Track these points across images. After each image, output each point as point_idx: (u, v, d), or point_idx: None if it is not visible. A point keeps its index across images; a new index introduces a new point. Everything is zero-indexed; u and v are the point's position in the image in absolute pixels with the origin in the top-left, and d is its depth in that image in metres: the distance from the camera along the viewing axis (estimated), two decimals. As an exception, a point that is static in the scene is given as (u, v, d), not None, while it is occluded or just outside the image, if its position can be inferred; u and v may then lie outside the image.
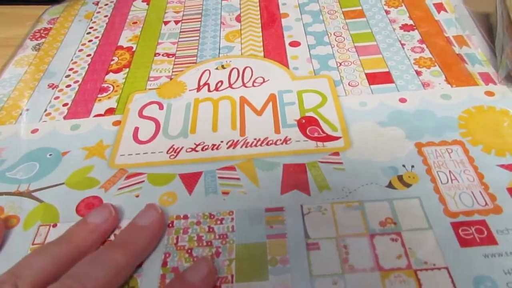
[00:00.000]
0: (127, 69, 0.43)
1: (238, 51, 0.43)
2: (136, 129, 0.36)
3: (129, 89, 0.40)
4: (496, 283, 0.24)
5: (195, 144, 0.34)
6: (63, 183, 0.32)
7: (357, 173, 0.30)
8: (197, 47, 0.45)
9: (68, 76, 0.43)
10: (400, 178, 0.30)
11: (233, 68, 0.41)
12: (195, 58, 0.43)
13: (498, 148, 0.31)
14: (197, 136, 0.34)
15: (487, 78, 0.37)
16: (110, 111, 0.39)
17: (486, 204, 0.28)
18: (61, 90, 0.42)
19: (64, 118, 0.38)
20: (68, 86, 0.42)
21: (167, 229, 0.29)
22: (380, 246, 0.27)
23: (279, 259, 0.26)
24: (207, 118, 0.36)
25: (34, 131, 0.37)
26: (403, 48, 0.41)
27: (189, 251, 0.27)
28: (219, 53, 0.43)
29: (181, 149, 0.33)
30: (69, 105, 0.40)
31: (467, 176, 0.30)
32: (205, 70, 0.41)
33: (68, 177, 0.33)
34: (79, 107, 0.39)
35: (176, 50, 0.45)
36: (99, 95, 0.40)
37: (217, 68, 0.41)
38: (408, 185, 0.29)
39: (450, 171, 0.30)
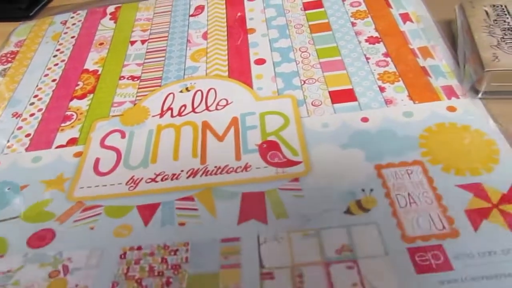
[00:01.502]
0: (92, 95, 0.42)
1: (203, 71, 0.43)
2: (97, 160, 0.36)
3: (92, 117, 0.40)
4: (453, 311, 0.24)
5: (155, 174, 0.33)
6: (17, 217, 0.32)
7: (316, 199, 0.30)
8: (162, 69, 0.44)
9: (32, 104, 0.43)
10: (358, 203, 0.30)
11: (197, 91, 0.41)
12: (159, 80, 0.43)
13: (458, 167, 0.31)
14: (158, 165, 0.34)
15: (450, 92, 0.36)
16: (72, 141, 0.38)
17: (444, 227, 0.28)
18: (24, 119, 0.41)
19: (26, 149, 0.38)
20: (32, 114, 0.42)
21: (118, 260, 0.28)
22: (336, 275, 0.26)
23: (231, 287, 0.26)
24: (168, 146, 0.36)
25: (-6, 164, 0.36)
26: (368, 62, 0.41)
27: (138, 281, 0.27)
28: (184, 74, 0.43)
29: (141, 180, 0.33)
30: (31, 135, 0.39)
31: (425, 198, 0.29)
32: (169, 94, 0.41)
33: (25, 211, 0.32)
34: (42, 137, 0.39)
35: (142, 73, 0.44)
36: (62, 124, 0.40)
37: (181, 91, 0.41)
38: (366, 210, 0.29)
39: (409, 194, 0.30)
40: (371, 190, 0.30)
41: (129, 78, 0.44)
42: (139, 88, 0.43)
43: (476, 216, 0.28)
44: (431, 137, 0.33)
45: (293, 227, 0.29)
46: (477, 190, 0.29)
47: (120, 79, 0.44)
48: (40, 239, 0.30)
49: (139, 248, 0.29)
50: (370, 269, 0.26)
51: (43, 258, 0.29)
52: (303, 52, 0.43)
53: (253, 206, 0.30)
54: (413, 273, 0.26)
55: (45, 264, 0.28)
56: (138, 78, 0.44)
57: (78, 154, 0.37)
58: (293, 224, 0.29)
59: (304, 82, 0.40)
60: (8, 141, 0.39)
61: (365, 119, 0.35)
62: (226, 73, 0.42)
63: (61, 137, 0.39)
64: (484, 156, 0.32)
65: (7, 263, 0.28)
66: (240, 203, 0.31)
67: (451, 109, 0.35)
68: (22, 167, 0.36)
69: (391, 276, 0.26)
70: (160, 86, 0.43)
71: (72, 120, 0.40)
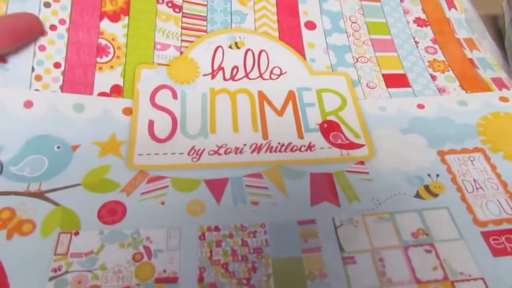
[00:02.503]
0: (126, 18, 0.37)
1: (251, 23, 0.40)
2: (151, 122, 0.33)
3: (134, 57, 0.35)
4: (531, 292, 0.25)
5: (217, 146, 0.32)
6: (79, 184, 0.30)
7: (384, 183, 0.30)
8: (206, 4, 0.40)
9: (48, 4, 0.35)
10: (427, 188, 0.30)
11: (247, 50, 0.38)
12: (204, 23, 0.39)
13: (518, 156, 0.32)
14: (218, 136, 0.33)
15: (500, 83, 0.37)
16: (117, 90, 0.34)
17: (513, 213, 0.29)
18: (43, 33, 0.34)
19: (62, 89, 0.33)
20: (53, 27, 0.34)
21: (198, 242, 0.27)
22: (415, 258, 0.27)
23: (317, 274, 0.26)
24: (226, 115, 0.34)
25: (28, 104, 0.32)
26: (417, 47, 0.41)
27: (224, 266, 0.27)
28: (231, 20, 0.40)
29: (203, 151, 0.32)
30: (62, 67, 0.33)
31: (491, 184, 0.30)
32: (218, 47, 0.38)
33: (84, 177, 0.30)
34: (76, 74, 0.33)
35: (182, 1, 0.39)
36: (99, 59, 0.35)
37: (230, 46, 0.38)
38: (435, 195, 0.30)
39: (474, 180, 0.31)
40: (437, 175, 0.31)
41: (169, 4, 0.39)
42: (182, 28, 0.38)
43: (541, 203, 0.29)
44: (488, 125, 0.34)
45: (366, 210, 0.29)
46: (539, 178, 0.31)
47: (158, 2, 0.39)
48: (112, 213, 0.28)
49: (217, 228, 0.28)
50: (448, 252, 0.27)
51: (121, 237, 0.27)
52: (353, 22, 0.42)
53: (323, 187, 0.31)
54: (490, 256, 0.27)
55: (125, 244, 0.27)
56: (180, 8, 0.39)
57: (128, 112, 0.34)
58: (365, 207, 0.29)
59: (357, 60, 0.39)
60: (33, 68, 0.33)
61: (421, 106, 0.36)
62: (277, 33, 0.40)
63: (102, 80, 0.34)
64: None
65: (86, 242, 0.27)
66: (310, 183, 0.31)
67: (504, 99, 0.36)
68: (64, 116, 0.32)
69: (470, 259, 0.27)
70: (205, 32, 0.39)
71: (110, 57, 0.35)
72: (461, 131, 0.33)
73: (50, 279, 0.25)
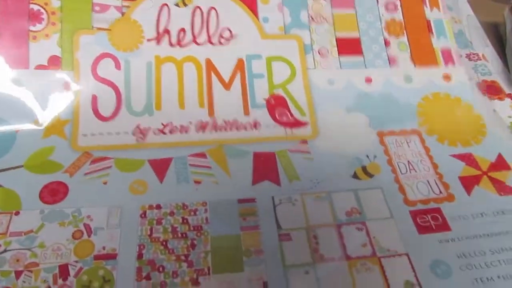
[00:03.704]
0: None
1: None
2: (94, 98, 0.33)
3: (70, 23, 0.33)
4: (449, 266, 0.27)
5: (162, 124, 0.33)
6: (22, 166, 0.30)
7: (325, 163, 0.32)
8: None
9: None
10: (364, 169, 0.32)
11: (196, 8, 0.36)
12: None
13: (450, 138, 0.34)
14: (164, 114, 0.33)
15: (447, 56, 0.38)
16: (55, 62, 0.32)
17: (441, 192, 0.31)
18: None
19: None
20: None
21: (139, 220, 0.28)
22: (347, 236, 0.29)
23: (253, 251, 0.28)
24: (172, 89, 0.34)
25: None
26: (377, 1, 0.40)
27: (164, 243, 0.28)
28: None
29: (148, 130, 0.32)
30: None
31: (423, 166, 0.32)
32: (163, 5, 0.35)
33: (27, 159, 0.30)
34: (8, 41, 0.32)
35: None
36: (32, 28, 0.32)
37: (177, 4, 0.35)
38: (371, 176, 0.31)
39: (408, 161, 0.32)
40: (375, 156, 0.32)
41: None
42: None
43: (469, 182, 0.31)
44: (427, 106, 0.36)
45: (305, 189, 0.30)
46: (469, 159, 0.33)
47: None
48: (53, 193, 0.29)
49: (158, 206, 0.29)
50: (378, 230, 0.29)
51: (62, 215, 0.28)
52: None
53: (265, 166, 0.32)
54: (415, 233, 0.29)
55: (65, 223, 0.28)
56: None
57: (69, 86, 0.33)
58: (304, 186, 0.31)
59: (312, 19, 0.38)
60: None
61: (368, 79, 0.36)
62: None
63: (38, 51, 0.32)
64: (473, 129, 0.34)
65: (26, 221, 0.27)
66: (253, 162, 0.32)
67: (447, 78, 0.37)
68: (2, 92, 0.31)
69: (396, 237, 0.29)
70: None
71: (44, 24, 0.33)
72: (402, 111, 0.35)
73: (-12, 258, 0.25)
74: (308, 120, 0.34)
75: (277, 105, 0.34)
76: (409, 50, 0.38)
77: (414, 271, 0.27)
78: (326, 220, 0.29)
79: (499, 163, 0.32)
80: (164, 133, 0.32)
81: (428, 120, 0.34)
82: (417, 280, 0.26)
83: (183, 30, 0.36)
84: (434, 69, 0.38)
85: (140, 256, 0.27)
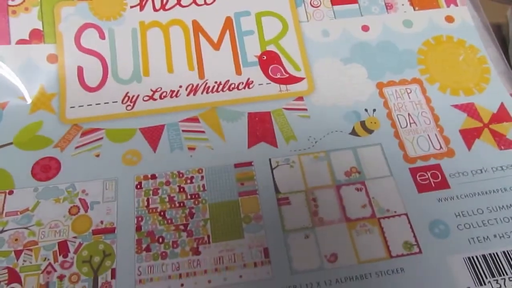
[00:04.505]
0: None
1: None
2: (80, 69, 0.32)
3: None
4: (448, 225, 0.27)
5: (151, 90, 0.31)
6: (11, 143, 0.29)
7: (322, 120, 0.31)
8: None
9: None
10: (363, 124, 0.31)
11: None
12: None
13: (452, 87, 0.32)
14: (152, 79, 0.32)
15: (450, -3, 0.36)
16: (37, 36, 0.32)
17: (441, 147, 0.30)
18: None
19: None
20: None
21: (135, 191, 0.28)
22: (347, 197, 0.28)
23: (252, 217, 0.27)
24: (159, 54, 0.33)
25: None
26: None
27: (162, 213, 0.27)
28: None
29: (137, 97, 0.31)
30: None
31: (424, 118, 0.31)
32: None
33: (16, 136, 0.30)
34: None
35: None
36: (10, 2, 0.32)
37: None
38: (370, 131, 0.30)
39: (409, 114, 0.31)
40: (374, 110, 0.31)
41: None
42: None
43: (470, 136, 0.31)
44: (429, 52, 0.34)
45: (302, 150, 0.30)
46: (470, 110, 0.31)
47: None
48: (46, 169, 0.28)
49: (153, 176, 0.28)
50: (377, 190, 0.29)
51: (56, 192, 0.28)
52: None
53: (260, 127, 0.31)
54: (415, 192, 0.28)
55: (60, 199, 0.27)
56: None
57: (53, 59, 0.32)
58: (302, 146, 0.30)
59: None
60: None
61: (365, 28, 0.35)
62: None
63: (18, 26, 0.32)
64: (477, 75, 0.33)
65: (21, 200, 0.27)
66: (247, 124, 0.31)
67: (449, 19, 0.35)
68: None
69: (397, 196, 0.28)
70: None
71: None
72: (402, 59, 0.33)
73: (-13, 240, 0.25)
74: (303, 75, 0.32)
75: (270, 61, 0.33)
76: (408, -8, 0.36)
77: (413, 231, 0.27)
78: (325, 182, 0.29)
79: (501, 114, 0.31)
80: (154, 99, 0.31)
81: (430, 68, 0.33)
82: (416, 240, 0.26)
83: (166, -8, 0.33)
84: (435, 10, 0.35)
85: (138, 228, 0.27)
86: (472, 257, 0.26)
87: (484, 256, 0.26)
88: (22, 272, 0.25)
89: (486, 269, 0.26)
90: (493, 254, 0.26)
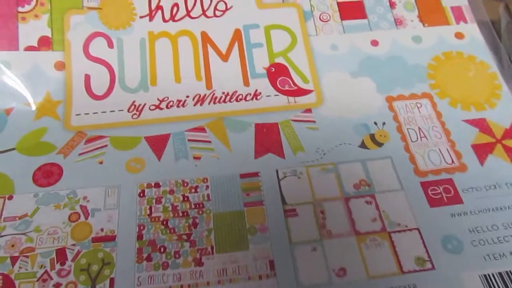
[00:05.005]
0: None
1: None
2: (87, 77, 0.32)
3: (60, 3, 0.33)
4: (461, 241, 0.26)
5: (158, 100, 0.31)
6: (14, 148, 0.29)
7: (330, 132, 0.30)
8: None
9: None
10: (372, 137, 0.30)
11: None
12: None
13: (463, 102, 0.32)
14: (159, 89, 0.31)
15: (458, 14, 0.36)
16: (45, 43, 0.32)
17: (453, 162, 0.29)
18: None
19: None
20: None
21: (138, 199, 0.27)
22: (356, 210, 0.27)
23: (258, 228, 0.26)
24: (167, 63, 0.33)
25: None
26: None
27: (164, 222, 0.26)
28: None
29: (144, 106, 0.31)
30: None
31: (435, 133, 0.30)
32: None
33: (19, 141, 0.29)
34: None
35: None
36: (20, 9, 0.32)
37: None
38: (380, 145, 0.30)
39: (419, 128, 0.31)
40: (384, 123, 0.31)
41: None
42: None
43: (482, 151, 0.30)
44: (439, 67, 0.33)
45: (310, 161, 0.29)
46: (482, 125, 0.31)
47: None
48: (47, 175, 0.28)
49: (157, 185, 0.28)
50: (387, 203, 0.28)
51: (57, 198, 0.27)
52: None
53: (268, 138, 0.30)
54: (427, 206, 0.27)
55: (60, 205, 0.27)
56: None
57: (60, 66, 0.32)
58: (309, 158, 0.29)
59: None
60: None
61: (374, 42, 0.34)
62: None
63: (27, 32, 0.32)
64: (487, 91, 0.32)
65: (20, 205, 0.26)
66: (254, 134, 0.30)
67: (459, 35, 0.35)
68: None
69: (407, 210, 0.27)
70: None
71: (33, 4, 0.33)
72: (412, 73, 0.33)
73: (-17, 245, 0.24)
74: (311, 88, 0.32)
75: (278, 73, 0.32)
76: (416, 10, 0.36)
77: (425, 246, 0.26)
78: (333, 194, 0.28)
79: (514, 130, 0.30)
80: (160, 108, 0.31)
81: (440, 82, 0.32)
82: (428, 255, 0.25)
83: (176, 5, 0.34)
84: (445, 27, 0.35)
85: (140, 236, 0.26)
86: (488, 275, 0.25)
87: (500, 273, 0.25)
88: (17, 279, 0.24)
89: (502, 287, 0.24)
90: (509, 271, 0.25)
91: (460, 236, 0.26)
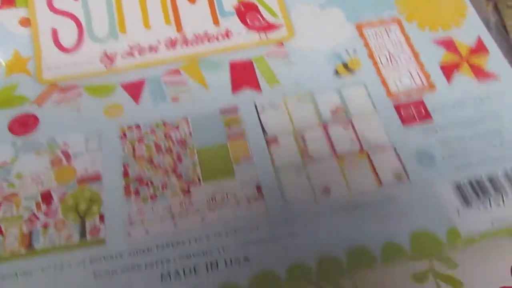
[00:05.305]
0: None
1: None
2: (54, 31, 0.31)
3: None
4: (433, 156, 0.27)
5: (129, 47, 0.31)
6: None
7: (304, 64, 0.31)
8: None
9: None
10: (345, 65, 0.31)
11: None
12: None
13: (431, 23, 0.33)
14: (130, 36, 0.31)
15: None
16: (8, 0, 0.32)
17: (422, 83, 0.30)
18: None
19: None
20: None
21: (120, 141, 0.27)
22: (334, 134, 0.28)
23: (242, 157, 0.27)
24: (135, 9, 0.32)
25: None
26: None
27: (149, 159, 0.27)
28: None
29: (115, 55, 0.30)
30: None
31: (404, 56, 0.31)
32: None
33: None
34: None
35: None
36: None
37: None
38: (352, 71, 0.30)
39: (389, 53, 0.31)
40: (355, 51, 0.31)
41: None
42: None
43: (449, 70, 0.31)
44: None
45: (286, 93, 0.29)
46: (449, 45, 0.32)
47: None
48: (23, 124, 0.27)
49: (138, 127, 0.28)
50: (363, 126, 0.28)
51: (36, 145, 0.27)
52: None
53: (243, 75, 0.30)
54: (400, 125, 0.28)
55: (42, 152, 0.26)
56: None
57: (25, 22, 0.31)
58: (286, 90, 0.30)
59: None
60: None
61: None
62: None
63: None
64: (453, 9, 0.33)
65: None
66: (230, 73, 0.30)
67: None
68: None
69: (381, 130, 0.28)
70: None
71: None
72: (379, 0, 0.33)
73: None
74: (281, 22, 0.32)
75: (247, 11, 0.32)
76: None
77: (401, 162, 0.27)
78: (312, 121, 0.28)
79: (478, 48, 0.31)
80: (132, 55, 0.31)
81: (407, 6, 0.33)
82: (405, 171, 0.26)
83: None
84: None
85: (126, 174, 0.26)
86: (458, 183, 0.26)
87: (470, 182, 0.26)
88: (2, 223, 0.24)
89: (472, 193, 0.26)
90: (478, 181, 0.26)
91: (432, 151, 0.27)
